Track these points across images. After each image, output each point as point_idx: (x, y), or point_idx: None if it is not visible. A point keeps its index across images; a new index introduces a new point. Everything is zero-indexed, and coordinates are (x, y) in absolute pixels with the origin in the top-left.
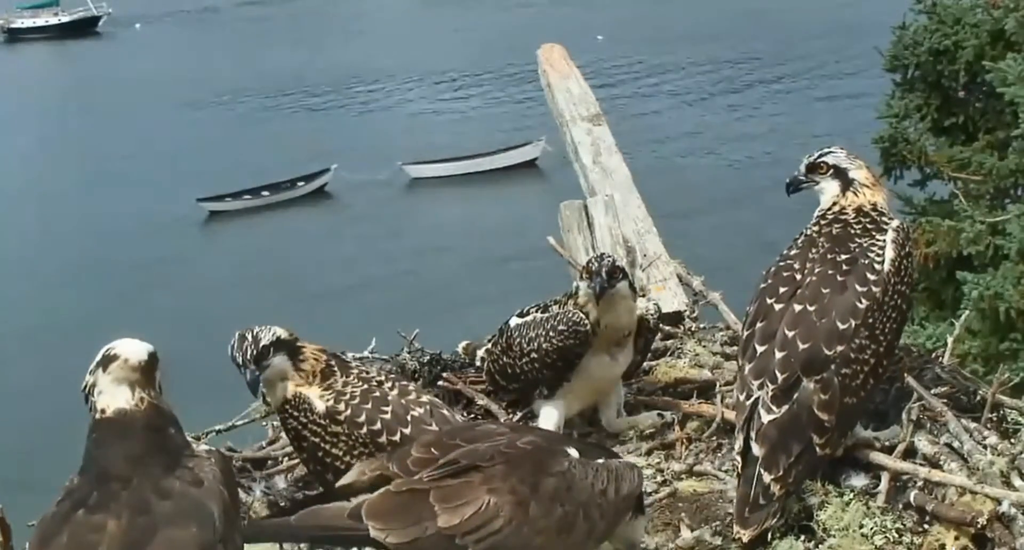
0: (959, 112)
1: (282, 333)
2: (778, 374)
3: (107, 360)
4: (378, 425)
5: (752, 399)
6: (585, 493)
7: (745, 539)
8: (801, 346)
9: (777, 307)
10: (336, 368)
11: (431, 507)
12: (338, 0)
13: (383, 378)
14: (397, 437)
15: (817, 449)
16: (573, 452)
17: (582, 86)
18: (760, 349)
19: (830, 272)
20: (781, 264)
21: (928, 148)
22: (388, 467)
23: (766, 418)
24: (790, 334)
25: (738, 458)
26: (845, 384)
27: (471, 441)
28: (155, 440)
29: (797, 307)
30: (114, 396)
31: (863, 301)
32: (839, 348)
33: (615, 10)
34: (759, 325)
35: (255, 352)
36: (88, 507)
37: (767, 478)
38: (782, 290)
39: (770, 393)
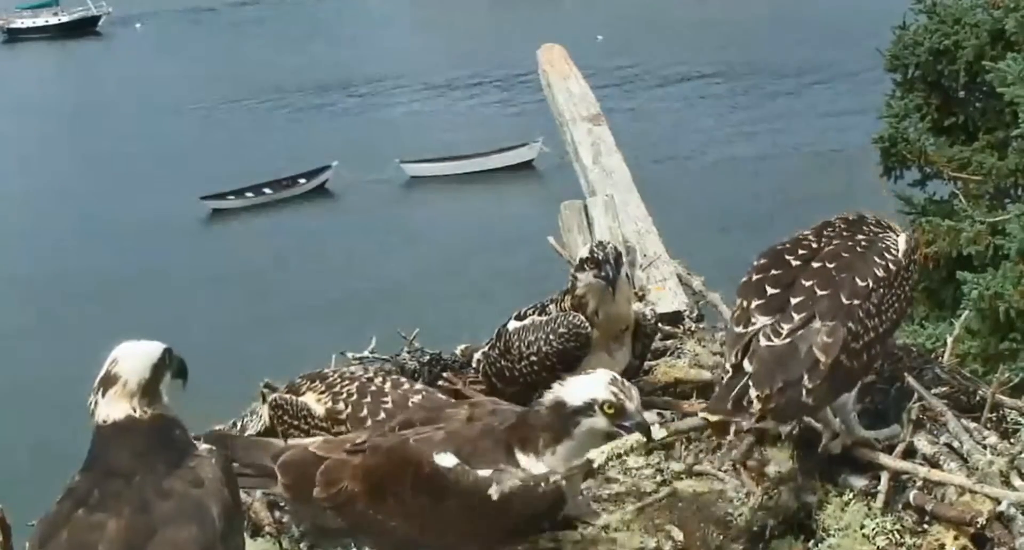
0: (959, 112)
1: (267, 417)
2: (794, 314)
3: (107, 382)
4: (382, 416)
5: (753, 328)
6: (445, 497)
7: (712, 420)
8: (819, 293)
9: (795, 263)
10: (302, 379)
11: (315, 476)
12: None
13: (372, 374)
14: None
15: (804, 391)
16: (445, 459)
17: (582, 86)
18: (772, 291)
19: (849, 244)
20: (798, 236)
21: (928, 148)
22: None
23: (764, 343)
24: (808, 283)
25: (728, 369)
26: (847, 340)
27: (425, 423)
28: (158, 440)
29: (816, 264)
30: (114, 411)
31: (880, 271)
32: (856, 302)
33: (615, 10)
34: (773, 273)
35: None
36: (88, 506)
37: (752, 393)
38: (800, 252)
39: (783, 328)
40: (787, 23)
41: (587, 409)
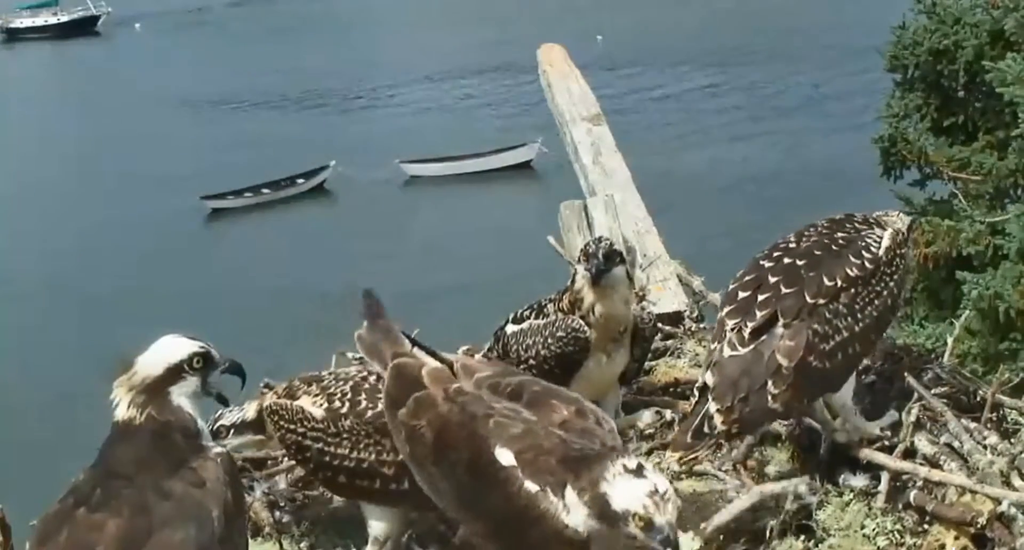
0: (959, 112)
1: (252, 412)
2: (757, 312)
3: (123, 371)
4: (380, 407)
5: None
6: (487, 489)
7: (674, 461)
8: (784, 290)
9: (767, 264)
10: (300, 382)
11: (407, 397)
12: (336, 0)
13: (365, 374)
14: None
15: (770, 398)
16: (504, 455)
17: (582, 86)
18: (743, 295)
19: (826, 242)
20: (779, 240)
21: (928, 148)
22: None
23: (728, 353)
24: (773, 279)
25: (695, 393)
26: (813, 341)
27: (531, 402)
28: (161, 441)
29: (787, 260)
30: (123, 406)
31: (853, 270)
32: (820, 301)
33: (615, 11)
34: (746, 278)
35: (209, 431)
36: (89, 505)
37: (713, 408)
38: (775, 254)
39: (745, 329)
40: (790, 24)
41: (623, 517)
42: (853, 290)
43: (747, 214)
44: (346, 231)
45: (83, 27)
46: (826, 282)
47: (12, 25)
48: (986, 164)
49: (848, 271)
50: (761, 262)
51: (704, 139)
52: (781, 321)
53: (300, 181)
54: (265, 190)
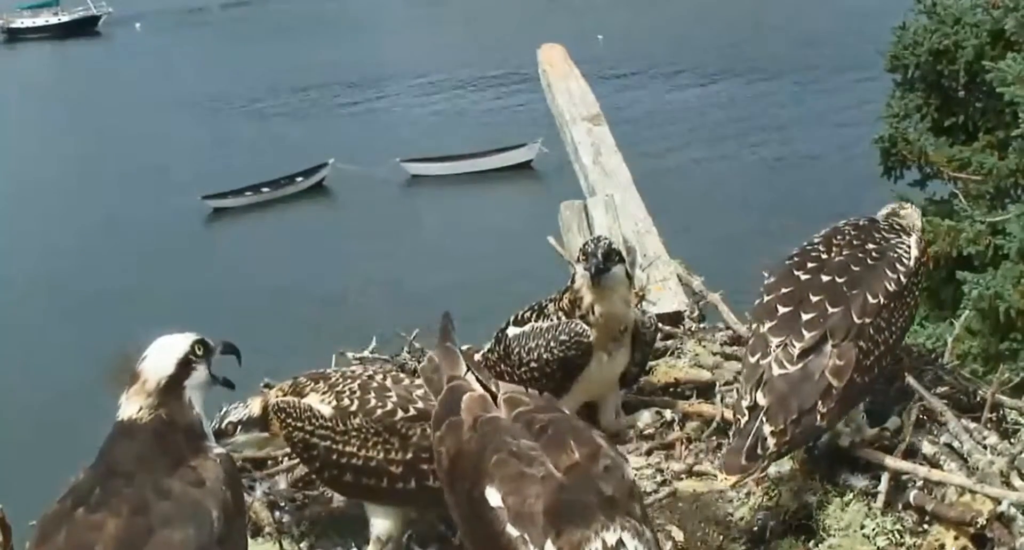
0: (959, 112)
1: (256, 409)
2: (805, 332)
3: (132, 379)
4: (390, 406)
5: (767, 359)
6: (476, 524)
7: (730, 484)
8: (831, 310)
9: (804, 278)
10: (306, 379)
11: (444, 418)
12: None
13: (372, 373)
14: (411, 412)
15: (818, 416)
16: (493, 496)
17: (582, 86)
18: (783, 310)
19: (859, 255)
20: (807, 247)
21: (928, 148)
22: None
23: (777, 372)
24: (816, 298)
25: (744, 411)
26: (859, 358)
27: (547, 445)
28: (164, 440)
29: (825, 278)
30: (129, 406)
31: (892, 286)
32: (867, 320)
33: (615, 10)
34: (783, 291)
35: (218, 428)
36: (88, 505)
37: (767, 430)
38: (809, 265)
39: (795, 350)
40: (792, 23)
41: None
42: (892, 305)
43: (746, 215)
44: (346, 230)
45: (84, 27)
46: (870, 300)
47: (13, 25)
48: (986, 164)
49: (888, 286)
50: (796, 273)
51: (704, 141)
52: (831, 341)
53: (299, 179)
54: (265, 189)
